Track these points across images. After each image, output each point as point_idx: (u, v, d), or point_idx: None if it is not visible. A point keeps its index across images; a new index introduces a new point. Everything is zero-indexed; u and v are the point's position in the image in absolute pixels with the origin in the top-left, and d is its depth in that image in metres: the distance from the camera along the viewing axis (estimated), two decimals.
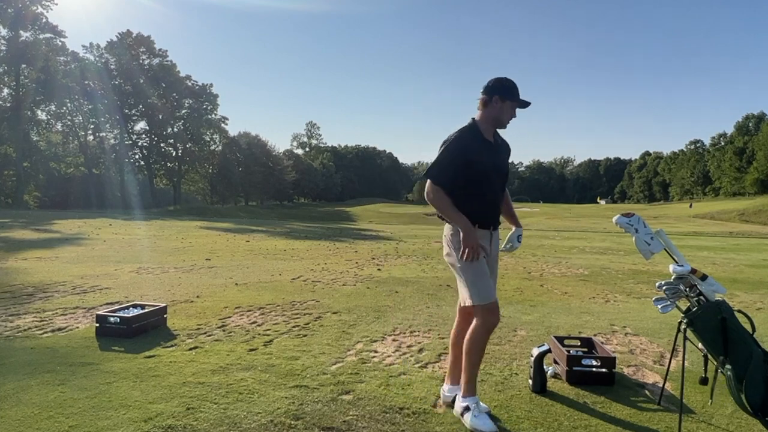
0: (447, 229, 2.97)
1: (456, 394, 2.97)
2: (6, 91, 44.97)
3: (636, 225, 2.96)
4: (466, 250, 2.81)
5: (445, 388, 3.12)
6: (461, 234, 2.84)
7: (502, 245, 3.18)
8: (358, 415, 2.89)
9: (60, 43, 46.63)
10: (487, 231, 2.96)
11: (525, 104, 2.99)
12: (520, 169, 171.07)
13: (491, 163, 2.93)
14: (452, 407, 2.96)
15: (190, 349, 4.07)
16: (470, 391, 2.89)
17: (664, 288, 2.88)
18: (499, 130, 3.08)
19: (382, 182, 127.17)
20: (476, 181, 2.89)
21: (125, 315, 4.39)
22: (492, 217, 3.00)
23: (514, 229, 3.21)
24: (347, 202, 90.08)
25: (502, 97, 2.89)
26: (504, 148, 3.10)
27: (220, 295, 6.39)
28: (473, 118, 3.00)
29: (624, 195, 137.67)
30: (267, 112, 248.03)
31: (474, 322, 2.90)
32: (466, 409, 2.83)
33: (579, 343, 3.96)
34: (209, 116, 56.43)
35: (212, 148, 58.49)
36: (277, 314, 5.40)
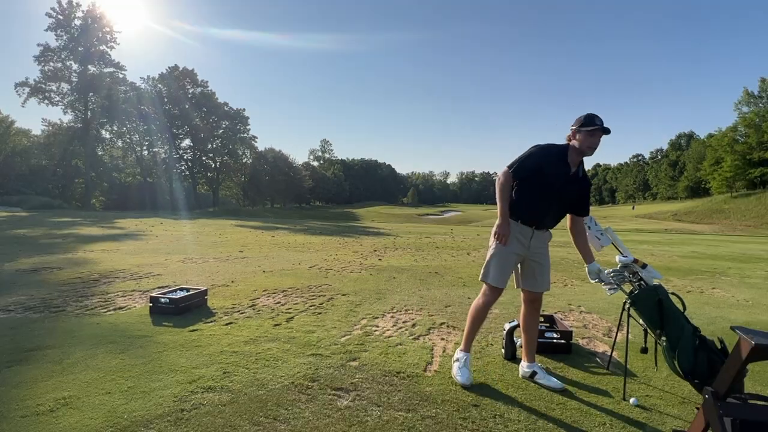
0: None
1: (533, 369, 2.90)
2: (77, 114, 44.97)
3: (589, 223, 2.96)
4: (495, 233, 2.84)
5: (523, 365, 2.99)
6: (497, 221, 2.85)
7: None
8: (362, 377, 2.89)
9: (121, 76, 46.56)
10: (530, 228, 2.82)
11: (603, 130, 2.67)
12: (494, 178, 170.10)
13: (559, 184, 2.73)
14: (530, 380, 2.90)
15: (226, 324, 4.07)
16: (464, 346, 2.96)
17: (611, 275, 2.88)
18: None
19: (382, 188, 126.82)
20: (536, 187, 2.75)
21: (174, 296, 4.39)
22: (537, 219, 2.82)
23: (587, 265, 2.87)
24: (354, 204, 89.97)
25: (579, 129, 2.69)
26: (580, 182, 2.81)
27: (250, 280, 6.38)
28: (569, 144, 2.78)
29: None
30: (288, 131, 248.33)
31: (480, 294, 2.95)
32: (456, 360, 2.94)
33: (542, 319, 3.95)
34: (242, 135, 56.29)
35: (244, 161, 58.34)
36: (297, 296, 5.39)
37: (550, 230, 2.97)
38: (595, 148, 2.70)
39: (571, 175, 2.76)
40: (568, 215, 2.92)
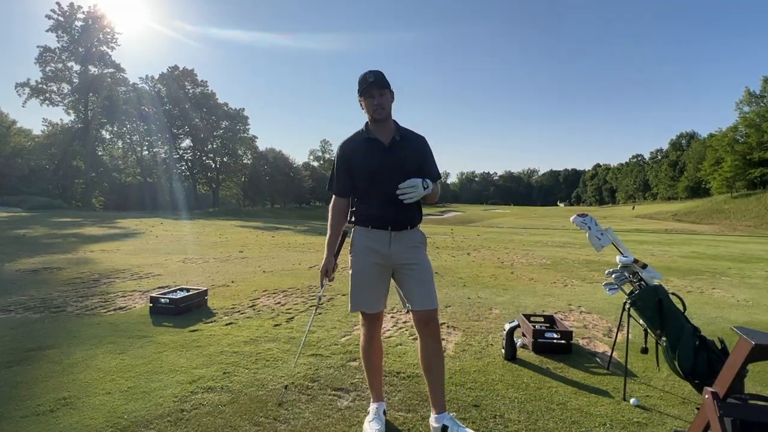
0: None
1: (442, 423, 2.18)
2: (78, 115, 45.00)
3: (589, 223, 2.95)
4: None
5: (432, 418, 2.25)
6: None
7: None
8: (362, 378, 2.88)
9: (121, 76, 46.60)
10: (384, 231, 2.22)
11: (375, 84, 2.15)
12: (494, 178, 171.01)
13: (377, 162, 2.19)
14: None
15: (226, 325, 4.07)
16: (372, 396, 2.40)
17: (612, 275, 2.88)
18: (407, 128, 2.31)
19: None
20: (361, 181, 2.24)
21: (174, 297, 4.39)
22: (383, 215, 2.21)
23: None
24: None
25: (359, 99, 2.23)
26: (401, 147, 2.22)
27: (250, 280, 6.38)
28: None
29: (579, 199, 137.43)
30: (288, 131, 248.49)
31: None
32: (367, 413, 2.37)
33: (543, 320, 3.95)
34: (242, 135, 56.33)
35: (244, 161, 58.35)
36: (297, 296, 5.39)
37: (420, 230, 2.34)
38: (385, 108, 2.19)
39: (388, 146, 2.21)
40: None
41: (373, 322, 2.34)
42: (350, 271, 2.31)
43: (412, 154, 2.25)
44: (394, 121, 2.30)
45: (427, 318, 2.24)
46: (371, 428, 2.22)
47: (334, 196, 2.36)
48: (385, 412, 2.37)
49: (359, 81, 2.18)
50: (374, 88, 2.16)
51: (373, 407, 2.36)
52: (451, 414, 2.29)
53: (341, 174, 2.29)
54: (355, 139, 2.28)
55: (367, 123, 2.26)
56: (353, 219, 2.33)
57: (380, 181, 2.19)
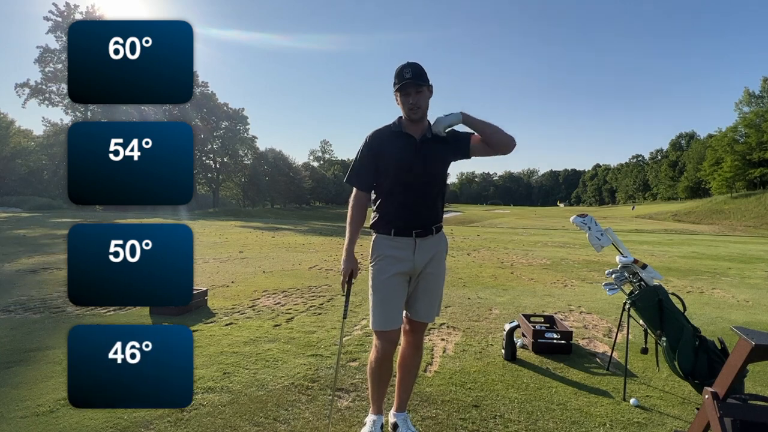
0: None
1: (395, 420, 2.27)
2: (78, 115, 45.00)
3: (589, 224, 2.95)
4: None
5: (392, 412, 2.34)
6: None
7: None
8: (362, 378, 2.89)
9: None
10: (409, 238, 2.09)
11: (413, 83, 1.98)
12: (494, 178, 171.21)
13: (409, 157, 2.05)
14: None
15: (226, 325, 4.07)
16: (373, 407, 2.28)
17: (612, 275, 2.88)
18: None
19: None
20: (390, 178, 2.09)
21: None
22: (412, 218, 2.08)
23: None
24: None
25: (395, 92, 2.05)
26: (434, 140, 2.07)
27: (250, 281, 6.38)
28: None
29: (579, 199, 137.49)
30: (288, 132, 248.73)
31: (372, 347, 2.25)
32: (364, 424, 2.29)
33: (543, 320, 3.95)
34: (242, 135, 56.38)
35: (244, 161, 58.41)
36: (297, 296, 5.39)
37: (444, 234, 2.23)
38: (421, 107, 2.02)
39: (420, 141, 2.06)
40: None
41: (394, 338, 2.14)
42: (371, 283, 2.14)
43: (443, 153, 2.09)
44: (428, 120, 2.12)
45: (416, 328, 2.27)
46: None
47: (355, 190, 2.15)
48: (382, 427, 2.25)
49: (396, 74, 2.01)
50: (411, 86, 1.98)
51: (370, 419, 2.25)
52: (408, 415, 2.35)
53: (367, 165, 2.09)
54: (386, 132, 2.11)
55: (400, 117, 2.11)
56: (373, 223, 2.17)
57: (407, 180, 2.05)
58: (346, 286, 2.16)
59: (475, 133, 2.09)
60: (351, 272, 2.15)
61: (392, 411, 2.32)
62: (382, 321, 2.10)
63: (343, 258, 2.15)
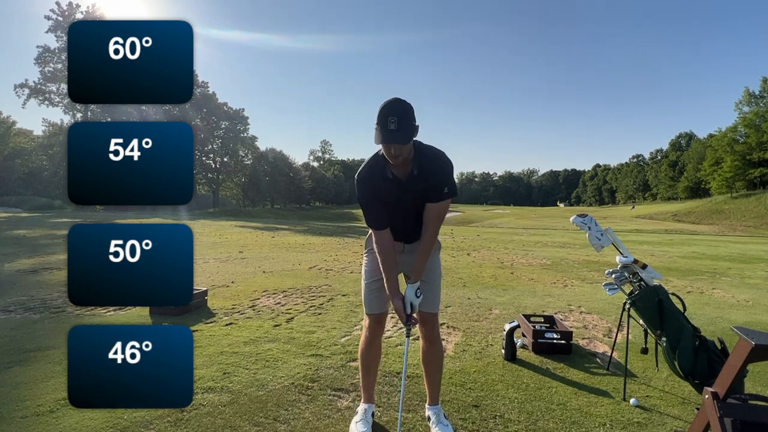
0: None
1: (428, 414, 2.40)
2: (78, 114, 45.02)
3: (589, 224, 2.96)
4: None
5: (427, 406, 2.47)
6: None
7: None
8: None
9: None
10: (400, 243, 2.34)
11: (383, 134, 1.91)
12: (494, 178, 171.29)
13: (395, 198, 2.15)
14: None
15: (226, 325, 4.07)
16: (363, 395, 2.41)
17: (612, 275, 2.88)
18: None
19: None
20: (389, 209, 2.20)
21: None
22: (401, 237, 2.32)
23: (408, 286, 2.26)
24: (354, 205, 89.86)
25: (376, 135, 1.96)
26: (417, 180, 2.10)
27: (250, 281, 6.38)
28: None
29: (579, 199, 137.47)
30: (288, 132, 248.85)
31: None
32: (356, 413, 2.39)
33: (543, 320, 3.95)
34: (242, 135, 56.37)
35: (244, 161, 58.40)
36: (297, 296, 5.39)
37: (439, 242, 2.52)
38: (403, 154, 1.99)
39: (406, 182, 2.11)
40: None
41: (378, 323, 2.37)
42: (362, 271, 2.39)
43: (429, 185, 2.11)
44: (414, 144, 2.07)
45: (424, 320, 2.38)
46: (357, 429, 2.25)
47: (375, 231, 2.20)
48: (373, 414, 2.39)
49: (379, 117, 1.90)
50: (398, 146, 1.93)
51: (362, 408, 2.38)
52: (442, 409, 2.43)
53: (376, 209, 2.16)
54: (375, 175, 2.12)
55: (383, 155, 2.07)
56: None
57: (395, 211, 2.19)
58: (405, 317, 2.22)
59: (449, 196, 2.19)
60: (402, 305, 2.21)
61: (426, 404, 2.45)
62: (368, 305, 2.35)
63: (389, 298, 2.27)
